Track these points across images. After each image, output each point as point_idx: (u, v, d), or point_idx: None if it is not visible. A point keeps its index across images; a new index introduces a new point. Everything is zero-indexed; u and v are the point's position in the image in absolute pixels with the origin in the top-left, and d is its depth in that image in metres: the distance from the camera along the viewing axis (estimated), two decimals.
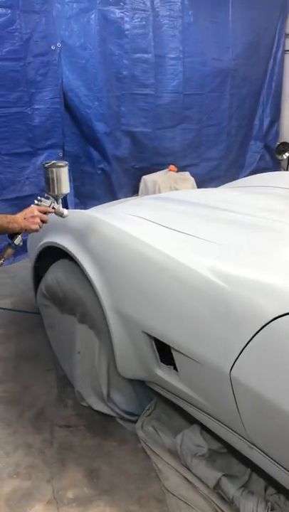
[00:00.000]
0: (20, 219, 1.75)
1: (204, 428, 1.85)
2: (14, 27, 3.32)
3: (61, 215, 1.88)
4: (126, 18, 3.93)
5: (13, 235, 1.79)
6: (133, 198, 3.56)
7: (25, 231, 1.77)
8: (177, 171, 4.43)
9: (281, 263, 1.58)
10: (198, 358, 1.54)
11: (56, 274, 2.20)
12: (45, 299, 2.37)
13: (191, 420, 1.91)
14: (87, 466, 1.89)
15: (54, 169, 1.84)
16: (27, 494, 1.77)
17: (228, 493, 1.67)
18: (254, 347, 1.37)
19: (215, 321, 1.48)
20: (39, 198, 1.85)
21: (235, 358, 1.41)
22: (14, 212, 1.81)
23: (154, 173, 4.43)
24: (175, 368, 1.72)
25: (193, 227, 1.92)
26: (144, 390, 2.08)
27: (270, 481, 1.69)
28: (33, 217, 1.75)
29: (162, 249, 1.71)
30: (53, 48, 3.54)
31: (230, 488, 1.67)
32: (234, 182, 3.38)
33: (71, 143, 4.02)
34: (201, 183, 4.61)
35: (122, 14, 3.90)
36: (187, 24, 4.25)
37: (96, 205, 3.33)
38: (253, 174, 4.28)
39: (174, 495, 1.73)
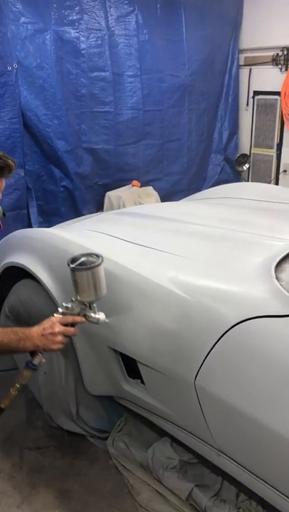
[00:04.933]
0: (36, 335, 1.39)
1: (175, 440, 1.84)
2: None
3: (97, 322, 1.46)
4: (82, 38, 3.96)
5: (32, 352, 1.44)
6: (97, 214, 3.56)
7: (44, 350, 1.41)
8: (140, 186, 4.46)
9: (239, 271, 1.61)
10: (164, 369, 1.54)
11: (19, 294, 2.18)
12: (8, 320, 2.33)
13: (162, 433, 1.91)
14: (58, 488, 1.86)
15: (89, 272, 1.38)
16: None
17: (200, 503, 1.67)
18: (216, 354, 1.39)
19: (178, 331, 1.49)
20: (64, 304, 1.46)
21: (198, 366, 1.42)
22: None
23: (118, 189, 4.44)
24: (142, 382, 1.72)
25: (154, 241, 1.94)
26: (114, 406, 2.06)
27: (241, 488, 1.70)
28: (53, 334, 1.38)
29: (123, 263, 1.72)
30: (9, 68, 3.54)
31: (202, 499, 1.66)
32: (196, 194, 3.43)
33: (32, 162, 4.01)
34: (165, 197, 4.65)
35: (77, 34, 3.93)
36: (143, 42, 4.32)
37: (60, 222, 3.32)
38: (214, 186, 4.36)
39: (146, 509, 1.71)
